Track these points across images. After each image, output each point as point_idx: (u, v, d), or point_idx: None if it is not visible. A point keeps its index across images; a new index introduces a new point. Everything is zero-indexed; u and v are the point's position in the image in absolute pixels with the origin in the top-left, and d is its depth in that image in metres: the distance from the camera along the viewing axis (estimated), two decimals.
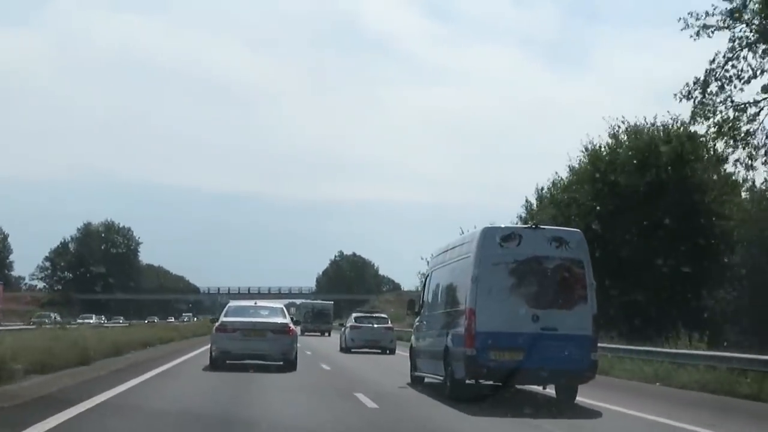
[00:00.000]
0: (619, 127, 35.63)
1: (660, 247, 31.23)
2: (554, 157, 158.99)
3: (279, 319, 21.09)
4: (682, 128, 33.81)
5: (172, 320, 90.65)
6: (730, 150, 28.61)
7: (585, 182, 35.54)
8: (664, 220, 31.58)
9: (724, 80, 27.47)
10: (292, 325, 21.46)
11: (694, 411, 13.59)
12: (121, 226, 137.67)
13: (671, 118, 34.56)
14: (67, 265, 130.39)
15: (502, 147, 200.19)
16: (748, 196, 32.25)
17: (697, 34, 26.85)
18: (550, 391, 14.79)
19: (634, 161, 33.58)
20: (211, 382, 17.06)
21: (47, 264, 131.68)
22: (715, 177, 33.50)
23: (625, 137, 35.38)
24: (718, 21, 26.81)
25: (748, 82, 27.61)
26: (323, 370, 21.49)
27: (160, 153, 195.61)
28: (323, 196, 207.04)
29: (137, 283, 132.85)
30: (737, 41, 27.07)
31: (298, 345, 21.93)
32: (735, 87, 27.62)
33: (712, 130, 28.50)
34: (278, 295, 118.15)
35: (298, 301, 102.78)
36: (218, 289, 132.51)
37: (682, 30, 27.11)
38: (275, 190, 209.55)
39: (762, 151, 28.34)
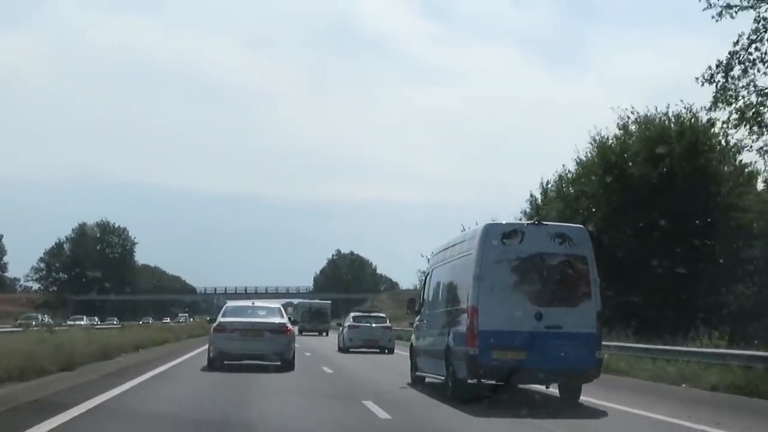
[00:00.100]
0: (628, 117, 34.53)
1: (673, 241, 30.11)
2: (553, 155, 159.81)
3: (276, 319, 21.09)
4: (693, 118, 32.82)
5: (168, 321, 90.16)
6: (755, 137, 27.49)
7: (594, 175, 34.45)
8: (677, 213, 30.43)
9: (747, 63, 26.30)
10: (289, 325, 21.41)
11: (709, 411, 13.26)
12: (116, 226, 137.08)
13: (684, 108, 33.48)
14: (62, 266, 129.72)
15: (500, 146, 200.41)
16: (765, 187, 31.05)
17: (720, 14, 25.70)
18: (554, 390, 14.51)
19: (646, 152, 32.34)
20: (209, 385, 16.74)
21: (42, 265, 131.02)
22: (726, 168, 32.58)
23: (635, 128, 34.30)
24: (742, 0, 25.76)
25: None
26: (325, 374, 20.38)
27: (158, 153, 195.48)
28: (320, 195, 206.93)
29: (133, 283, 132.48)
30: (762, 22, 25.90)
31: (296, 345, 21.82)
32: (759, 71, 25.92)
33: (734, 116, 27.50)
34: (275, 294, 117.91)
35: (295, 301, 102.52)
36: (215, 289, 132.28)
37: (704, 10, 25.67)
38: (272, 190, 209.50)
39: None
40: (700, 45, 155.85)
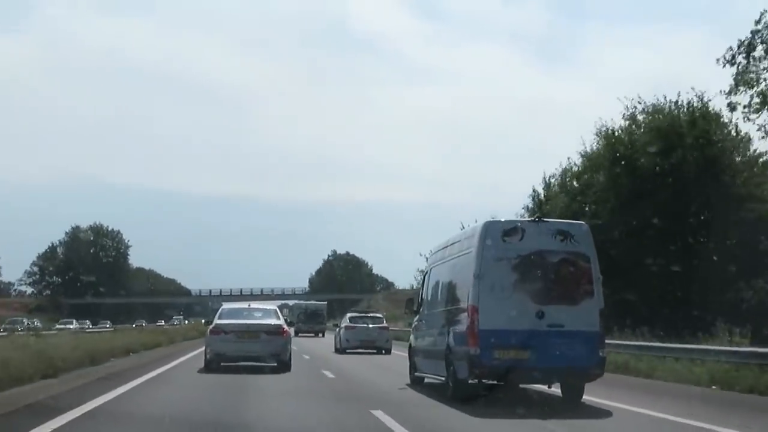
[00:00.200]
0: (635, 108, 33.34)
1: (688, 233, 29.30)
2: (548, 153, 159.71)
3: (272, 321, 21.17)
4: (705, 106, 31.77)
5: (162, 323, 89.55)
6: None
7: (601, 167, 33.28)
8: (691, 204, 29.50)
9: None
10: (285, 327, 21.51)
11: (720, 410, 13.06)
12: (110, 229, 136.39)
13: (696, 95, 32.34)
14: (55, 269, 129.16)
15: (495, 145, 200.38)
16: None
17: None
18: (556, 390, 14.29)
19: (656, 142, 31.12)
20: (204, 389, 16.51)
21: (35, 269, 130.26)
22: (739, 158, 31.60)
23: (642, 118, 33.00)
24: None
25: None
26: (327, 379, 19.16)
27: (151, 155, 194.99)
28: (315, 196, 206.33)
29: (127, 286, 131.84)
30: None
31: (293, 347, 21.75)
32: None
33: (756, 100, 26.26)
34: (271, 296, 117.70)
35: (290, 302, 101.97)
36: (210, 291, 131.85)
37: None
38: (266, 191, 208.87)
39: None
40: (692, 42, 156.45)
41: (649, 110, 32.93)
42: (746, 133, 29.95)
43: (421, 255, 44.93)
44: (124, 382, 15.93)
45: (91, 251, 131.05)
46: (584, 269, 13.30)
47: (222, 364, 20.17)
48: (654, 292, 28.97)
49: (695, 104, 32.28)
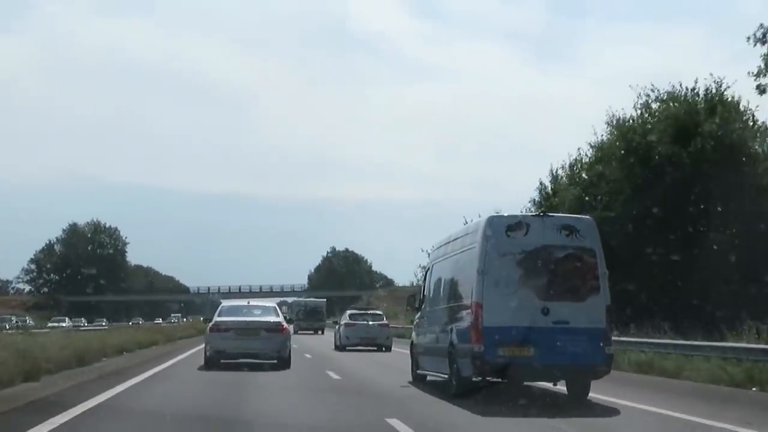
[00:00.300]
0: (648, 96, 32.07)
1: (708, 224, 28.25)
2: (547, 150, 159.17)
3: (272, 318, 21.16)
4: (722, 93, 30.76)
5: (160, 321, 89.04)
6: None
7: (614, 157, 31.96)
8: (710, 195, 28.33)
9: None
10: (285, 324, 21.52)
11: (731, 407, 12.78)
12: (107, 226, 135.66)
13: (714, 82, 31.15)
14: (53, 267, 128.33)
15: (493, 142, 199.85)
16: None
17: None
18: (561, 387, 14.04)
19: (672, 131, 29.93)
20: (200, 389, 16.22)
21: (32, 266, 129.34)
22: (760, 147, 30.61)
23: (656, 106, 31.80)
24: None
25: None
26: (332, 380, 17.83)
27: (149, 154, 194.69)
28: (314, 194, 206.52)
29: (125, 283, 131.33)
30: None
31: (293, 345, 21.73)
32: None
33: None
34: (270, 293, 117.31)
35: (289, 299, 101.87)
36: (208, 288, 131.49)
37: None
38: (265, 190, 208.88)
39: None
40: (691, 39, 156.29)
41: (664, 98, 31.79)
42: (763, 122, 29.03)
43: (422, 251, 43.81)
44: (112, 385, 14.95)
45: (89, 248, 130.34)
46: (590, 264, 13.05)
47: (222, 361, 20.12)
48: (654, 282, 28.41)
49: (713, 91, 31.02)
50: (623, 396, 13.60)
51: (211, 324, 21.13)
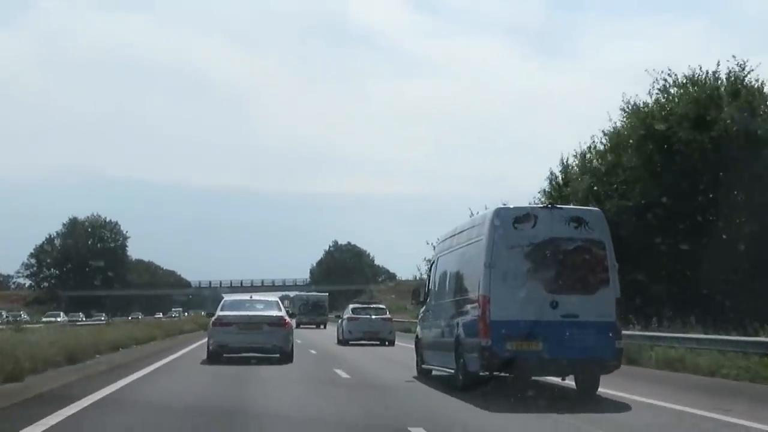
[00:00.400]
0: (665, 81, 30.64)
1: (717, 213, 27.24)
2: (547, 144, 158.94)
3: (274, 312, 21.24)
4: (744, 77, 29.42)
5: (160, 316, 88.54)
6: None
7: (629, 144, 30.57)
8: (719, 183, 27.16)
9: None
10: (287, 318, 21.61)
11: (742, 402, 12.52)
12: (107, 220, 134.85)
13: (737, 65, 29.80)
14: (53, 261, 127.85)
15: (493, 137, 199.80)
16: None
17: None
18: (570, 382, 13.79)
19: (694, 116, 28.55)
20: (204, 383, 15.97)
21: (32, 261, 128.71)
22: None
23: (675, 90, 30.33)
24: None
25: None
26: (342, 380, 16.34)
27: (149, 150, 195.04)
28: (315, 189, 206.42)
29: (126, 278, 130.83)
30: None
31: (297, 340, 21.71)
32: None
33: None
34: (272, 287, 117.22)
35: (291, 294, 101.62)
36: (210, 282, 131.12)
37: None
38: (265, 184, 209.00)
39: None
40: (691, 33, 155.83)
41: (683, 82, 30.47)
42: None
43: (428, 243, 42.90)
44: (100, 386, 13.66)
45: (89, 242, 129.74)
46: (599, 257, 12.81)
47: (225, 355, 20.24)
48: (663, 272, 27.84)
49: (737, 73, 29.69)
50: (623, 388, 13.40)
51: (213, 318, 21.21)
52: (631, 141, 30.79)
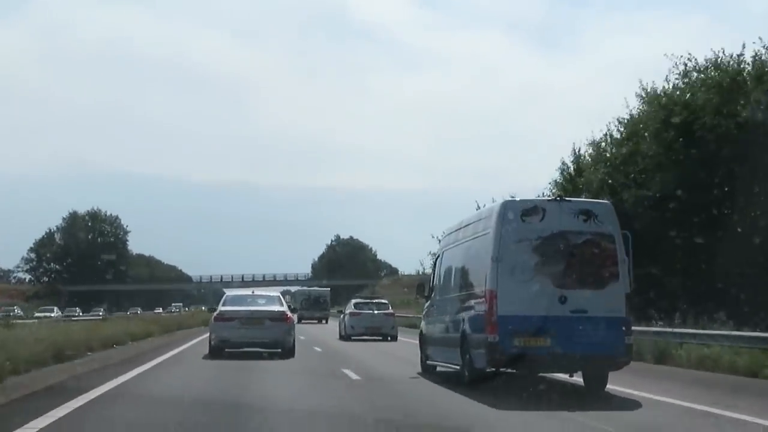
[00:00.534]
0: (685, 65, 29.01)
1: (732, 206, 26.05)
2: (548, 139, 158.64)
3: (276, 307, 21.24)
4: None
5: (160, 311, 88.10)
6: None
7: (648, 132, 29.02)
8: (751, 176, 25.53)
9: None
10: (289, 313, 21.65)
11: (752, 399, 12.24)
12: (107, 214, 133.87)
13: (764, 47, 27.96)
14: (53, 256, 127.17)
15: (494, 131, 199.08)
16: None
17: None
18: (578, 379, 13.51)
19: (717, 101, 27.11)
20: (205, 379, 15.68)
21: (32, 255, 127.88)
22: None
23: (696, 76, 28.78)
24: None
25: None
26: (352, 382, 14.94)
27: (149, 144, 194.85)
28: (316, 183, 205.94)
29: (127, 273, 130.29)
30: None
31: (301, 337, 21.41)
32: None
33: None
34: (273, 282, 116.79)
35: (293, 289, 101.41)
36: (210, 277, 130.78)
37: None
38: (266, 179, 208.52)
39: None
40: (692, 28, 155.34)
41: (704, 67, 28.95)
42: None
43: (433, 237, 41.96)
44: (84, 389, 12.16)
45: (89, 237, 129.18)
46: (609, 251, 12.52)
47: (227, 350, 20.24)
48: (678, 265, 27.06)
49: (763, 57, 27.99)
50: (631, 385, 13.12)
51: (215, 313, 21.29)
52: (649, 128, 29.42)
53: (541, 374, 14.13)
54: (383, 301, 36.63)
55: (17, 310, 65.30)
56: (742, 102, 26.55)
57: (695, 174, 26.75)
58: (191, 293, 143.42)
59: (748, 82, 27.43)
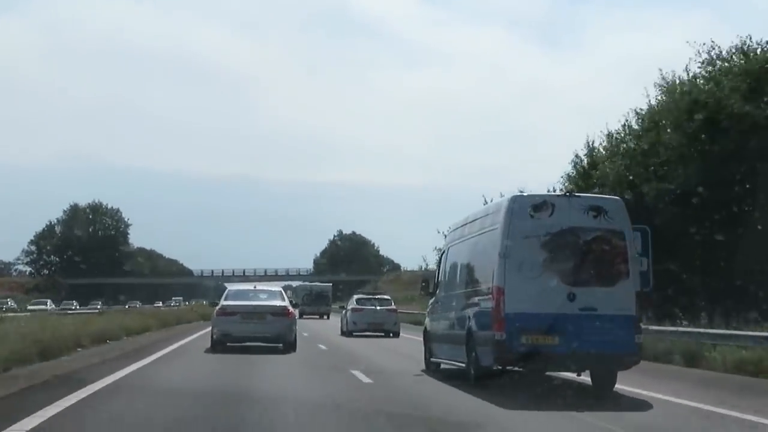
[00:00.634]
0: (708, 53, 27.70)
1: (753, 203, 25.15)
2: (549, 135, 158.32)
3: (278, 302, 21.33)
4: None
5: (160, 305, 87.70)
6: None
7: (670, 123, 27.74)
8: (756, 172, 24.94)
9: None
10: (291, 308, 21.75)
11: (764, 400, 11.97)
12: (108, 207, 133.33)
13: None
14: (53, 248, 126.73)
15: (495, 128, 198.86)
16: None
17: None
18: (585, 378, 13.26)
19: (746, 88, 25.78)
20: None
21: (32, 248, 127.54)
22: None
23: (720, 64, 27.47)
24: None
25: None
26: (364, 386, 13.51)
27: (151, 138, 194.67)
28: (317, 179, 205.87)
29: (126, 266, 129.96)
30: None
31: (304, 334, 21.43)
32: None
33: None
34: (275, 277, 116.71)
35: (294, 284, 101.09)
36: (212, 271, 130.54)
37: None
38: (268, 174, 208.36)
39: None
40: (693, 25, 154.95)
41: (730, 55, 27.73)
42: None
43: (438, 232, 41.00)
44: (61, 394, 10.72)
45: (90, 230, 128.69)
46: (619, 248, 12.25)
47: (228, 344, 20.34)
48: (697, 262, 26.41)
49: None
50: (640, 385, 12.89)
51: (218, 308, 21.37)
52: (671, 118, 28.16)
53: (548, 373, 13.88)
54: (386, 297, 36.35)
55: (11, 303, 64.75)
56: None
57: (720, 167, 25.75)
58: (192, 287, 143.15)
59: None
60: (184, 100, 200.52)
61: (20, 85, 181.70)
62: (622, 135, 32.06)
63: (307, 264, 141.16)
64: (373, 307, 33.04)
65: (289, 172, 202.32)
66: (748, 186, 25.51)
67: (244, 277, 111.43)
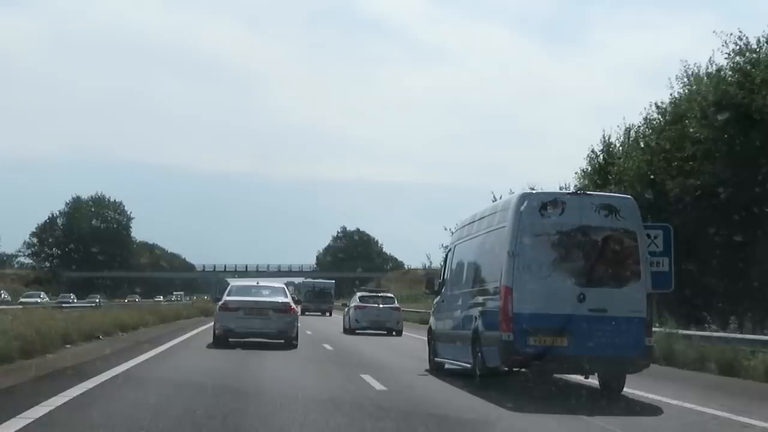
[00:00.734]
0: (736, 44, 26.54)
1: (752, 203, 24.81)
2: (555, 134, 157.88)
3: (280, 298, 21.40)
4: None
5: (160, 299, 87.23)
6: None
7: (695, 116, 26.80)
8: None
9: None
10: (293, 304, 21.97)
11: None
12: (111, 200, 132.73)
13: None
14: (55, 241, 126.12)
15: (501, 126, 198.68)
16: None
17: None
18: (593, 381, 12.98)
19: None
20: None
21: (34, 240, 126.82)
22: None
23: (748, 55, 26.29)
24: None
25: None
26: (376, 392, 12.03)
27: (156, 132, 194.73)
28: (322, 175, 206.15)
29: (129, 259, 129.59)
30: None
31: (307, 332, 22.02)
32: None
33: None
34: (278, 273, 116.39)
35: (296, 280, 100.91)
36: (214, 266, 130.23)
37: None
38: (272, 169, 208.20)
39: None
40: (700, 24, 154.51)
41: (759, 46, 26.55)
42: None
43: (445, 229, 40.91)
44: (36, 400, 9.47)
45: (93, 222, 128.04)
46: (631, 248, 11.97)
47: (230, 339, 20.41)
48: (714, 262, 25.97)
49: None
50: (650, 389, 12.60)
51: (220, 303, 21.37)
52: (697, 110, 27.12)
53: (555, 375, 13.60)
54: (389, 294, 36.09)
55: (5, 295, 63.97)
56: None
57: (746, 164, 24.95)
58: (194, 282, 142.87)
59: None
60: (189, 94, 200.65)
61: (25, 77, 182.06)
62: (642, 129, 31.33)
63: (310, 260, 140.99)
64: (377, 305, 32.78)
65: (294, 169, 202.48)
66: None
67: (246, 273, 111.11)
